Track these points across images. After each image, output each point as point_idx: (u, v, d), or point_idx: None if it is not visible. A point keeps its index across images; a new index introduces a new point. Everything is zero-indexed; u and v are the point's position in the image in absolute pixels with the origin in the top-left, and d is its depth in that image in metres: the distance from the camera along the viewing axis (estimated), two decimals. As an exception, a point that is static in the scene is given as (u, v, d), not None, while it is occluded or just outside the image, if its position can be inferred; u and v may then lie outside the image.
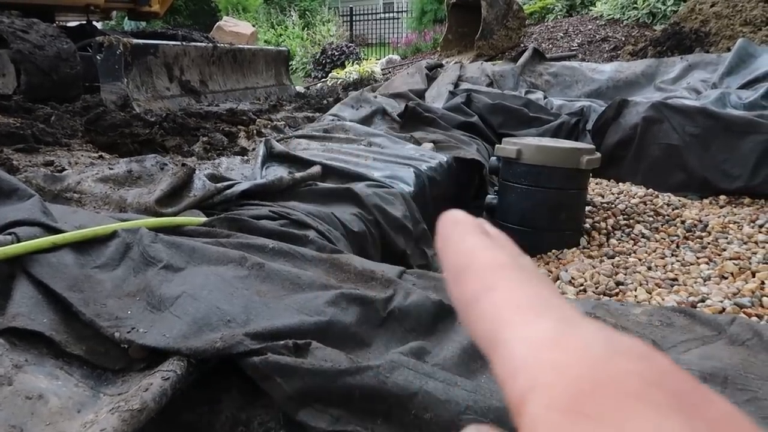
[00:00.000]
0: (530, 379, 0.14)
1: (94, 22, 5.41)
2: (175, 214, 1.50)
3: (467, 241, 0.20)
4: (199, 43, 4.41)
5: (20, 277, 1.03)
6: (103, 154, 2.28)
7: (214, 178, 1.76)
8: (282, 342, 0.84)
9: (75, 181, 1.63)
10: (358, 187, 1.95)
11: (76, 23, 5.48)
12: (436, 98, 3.98)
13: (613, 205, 2.65)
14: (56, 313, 0.98)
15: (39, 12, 4.08)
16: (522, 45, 6.78)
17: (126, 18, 10.89)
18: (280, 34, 13.52)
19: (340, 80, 7.39)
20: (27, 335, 0.93)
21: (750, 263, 1.97)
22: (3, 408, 0.77)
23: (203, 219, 1.43)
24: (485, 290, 0.18)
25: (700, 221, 2.40)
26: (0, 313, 0.97)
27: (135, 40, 3.57)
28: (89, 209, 1.53)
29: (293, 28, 13.81)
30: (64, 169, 1.86)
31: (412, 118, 3.29)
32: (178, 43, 4.11)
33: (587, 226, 2.45)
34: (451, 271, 0.20)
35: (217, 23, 10.71)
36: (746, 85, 3.76)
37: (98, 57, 3.39)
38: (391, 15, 16.96)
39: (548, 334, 0.15)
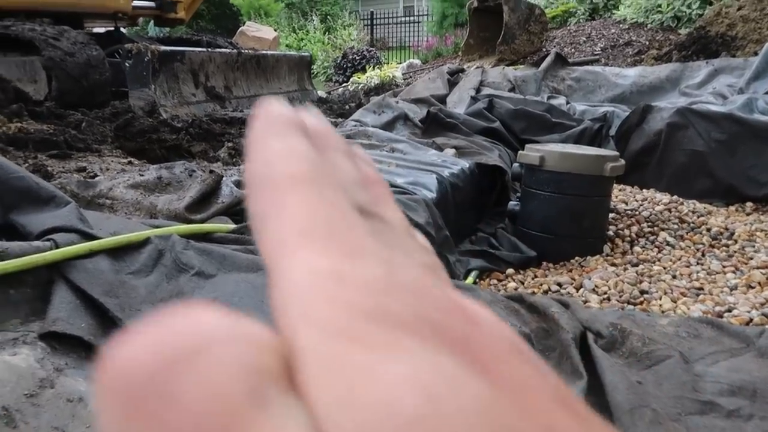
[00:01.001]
0: (303, 308, 0.13)
1: (122, 29, 5.53)
2: (203, 221, 1.54)
3: (274, 145, 0.17)
4: (223, 50, 4.48)
5: (59, 282, 1.07)
6: (132, 159, 2.33)
7: (241, 184, 1.80)
8: (312, 349, 0.86)
9: (107, 188, 1.67)
10: (382, 193, 1.97)
11: (104, 29, 5.61)
12: (458, 103, 3.99)
13: (637, 212, 2.63)
14: (93, 317, 1.01)
15: (69, 19, 4.19)
16: (544, 49, 6.75)
17: (150, 23, 11.09)
18: (302, 39, 13.64)
19: (362, 85, 7.44)
20: (66, 339, 0.97)
21: (778, 273, 1.94)
22: (46, 410, 0.80)
23: (232, 226, 1.46)
24: (275, 208, 0.16)
25: (726, 229, 2.37)
26: (41, 317, 1.01)
27: (162, 47, 3.64)
28: (121, 215, 1.57)
29: (314, 32, 13.92)
30: (96, 175, 1.91)
31: (434, 124, 3.30)
32: (204, 49, 4.18)
33: (611, 233, 2.44)
34: (249, 183, 0.17)
35: (240, 28, 10.85)
36: (774, 90, 3.70)
37: (127, 63, 3.47)
38: (412, 19, 17.00)
39: (329, 266, 0.14)
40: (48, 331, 0.95)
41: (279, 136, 0.18)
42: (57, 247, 1.12)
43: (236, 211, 1.65)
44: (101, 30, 5.68)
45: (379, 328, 0.13)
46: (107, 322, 1.02)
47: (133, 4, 5.06)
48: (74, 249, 1.11)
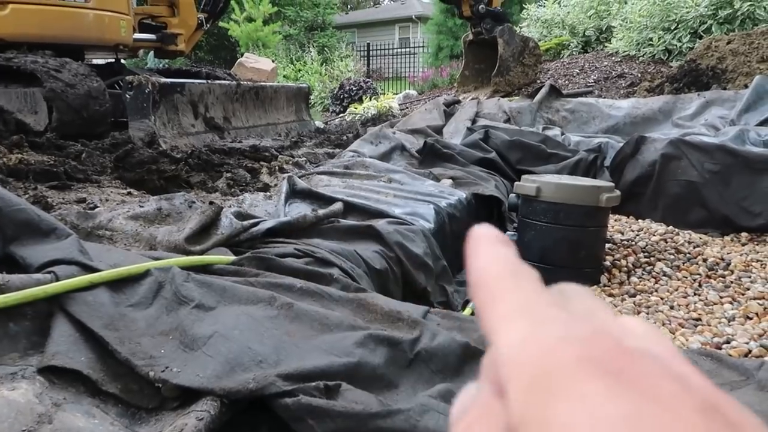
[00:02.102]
0: (506, 373, 0.18)
1: (122, 60, 5.60)
2: (203, 252, 1.54)
3: (483, 256, 0.23)
4: (222, 81, 4.53)
5: (58, 315, 1.07)
6: (131, 190, 2.35)
7: (240, 215, 1.80)
8: (313, 384, 0.86)
9: (107, 219, 1.68)
10: (380, 224, 1.98)
11: (105, 61, 5.68)
12: (454, 134, 4.03)
13: (634, 243, 2.64)
14: (93, 351, 1.01)
15: (70, 51, 4.25)
16: (538, 81, 6.86)
17: (150, 54, 11.24)
18: (299, 70, 13.82)
19: (359, 115, 7.52)
20: (65, 373, 0.96)
21: (775, 303, 1.95)
22: (44, 446, 0.80)
23: (232, 258, 1.46)
24: (490, 301, 0.21)
25: (722, 259, 2.39)
26: (39, 350, 1.00)
27: (163, 79, 3.69)
28: (120, 246, 1.58)
29: (312, 63, 14.12)
30: (95, 206, 1.92)
31: (431, 155, 3.34)
32: (203, 81, 4.23)
33: (607, 263, 2.45)
34: (472, 284, 0.23)
35: (239, 60, 10.99)
36: (765, 122, 3.76)
37: (128, 95, 3.51)
38: (408, 50, 17.29)
39: (521, 334, 0.19)
40: (47, 365, 0.95)
41: (487, 248, 0.24)
42: (57, 279, 1.12)
43: (235, 243, 1.65)
44: (102, 61, 5.76)
45: (558, 377, 0.16)
46: (106, 355, 1.02)
47: (134, 36, 5.14)
48: (74, 282, 1.11)
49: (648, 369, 0.17)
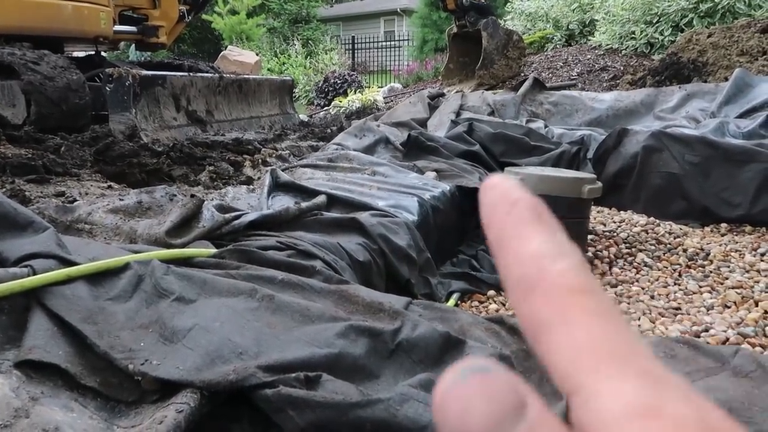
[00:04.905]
0: None
1: (102, 53, 5.52)
2: (184, 245, 1.53)
3: (531, 244, 0.19)
4: (205, 74, 4.49)
5: (35, 309, 1.05)
6: (111, 184, 2.32)
7: (222, 208, 1.79)
8: (293, 374, 0.86)
9: (86, 212, 1.66)
10: (363, 216, 1.98)
11: (84, 54, 5.59)
12: (438, 127, 4.03)
13: (615, 234, 2.67)
14: (71, 345, 1.00)
15: (49, 43, 4.18)
16: (522, 74, 6.88)
17: (131, 47, 11.09)
18: (284, 63, 13.74)
19: (343, 108, 7.49)
20: (43, 367, 0.95)
21: (752, 292, 1.99)
22: (21, 440, 0.79)
23: (213, 250, 1.45)
24: (559, 322, 0.17)
25: (702, 249, 2.42)
26: (16, 345, 0.99)
27: (144, 72, 3.64)
28: (100, 240, 1.56)
29: (296, 56, 14.04)
30: (75, 200, 1.89)
31: (415, 147, 3.34)
32: (185, 73, 4.19)
33: (589, 255, 2.47)
34: (514, 282, 0.18)
35: (222, 53, 10.89)
36: (744, 114, 3.81)
37: (108, 88, 3.46)
38: (393, 44, 17.23)
39: (638, 398, 0.16)
40: (24, 359, 0.93)
41: (533, 232, 0.19)
42: (35, 273, 1.10)
43: (217, 236, 1.64)
44: (82, 54, 5.67)
45: None
46: (85, 349, 1.01)
47: (114, 28, 5.07)
48: (52, 275, 1.10)
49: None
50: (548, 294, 0.18)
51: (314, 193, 2.23)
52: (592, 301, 0.18)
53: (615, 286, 2.19)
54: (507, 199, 0.20)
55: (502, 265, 0.19)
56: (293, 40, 15.95)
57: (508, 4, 10.71)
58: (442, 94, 5.01)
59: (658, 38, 7.28)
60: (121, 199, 1.74)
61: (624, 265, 2.39)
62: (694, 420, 0.15)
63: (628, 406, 0.16)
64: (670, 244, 2.53)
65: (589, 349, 0.17)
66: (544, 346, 0.17)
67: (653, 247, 2.51)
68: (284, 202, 2.19)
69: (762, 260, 2.25)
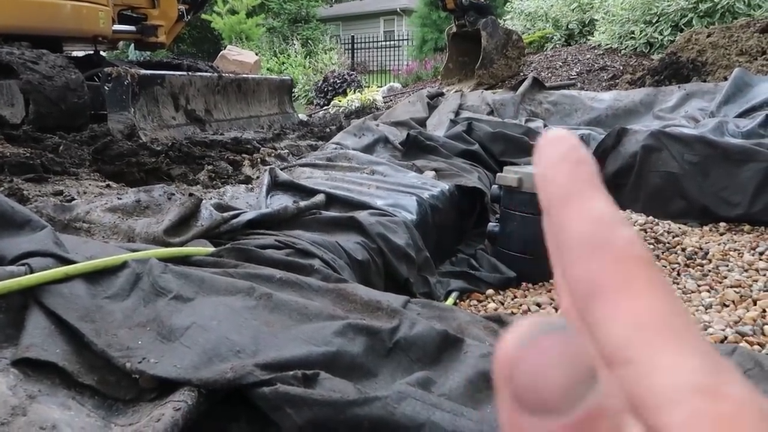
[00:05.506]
0: (683, 420, 0.15)
1: (101, 52, 5.51)
2: (182, 244, 1.53)
3: (598, 204, 0.18)
4: (204, 73, 4.49)
5: (33, 307, 1.05)
6: (110, 183, 2.32)
7: (220, 207, 1.79)
8: (291, 372, 0.86)
9: (84, 211, 1.66)
10: (362, 215, 1.98)
11: (83, 53, 5.59)
12: (437, 126, 4.03)
13: (614, 233, 2.66)
14: (68, 343, 1.00)
15: (48, 42, 4.17)
16: (521, 74, 6.88)
17: (131, 47, 11.09)
18: (283, 62, 13.74)
19: (342, 108, 7.49)
20: (40, 365, 0.95)
21: (751, 291, 1.98)
22: (18, 439, 0.79)
23: (211, 249, 1.45)
24: (620, 289, 0.16)
25: (701, 249, 2.42)
26: (13, 343, 0.99)
27: (142, 71, 3.64)
28: (98, 239, 1.56)
29: (296, 56, 14.04)
30: (73, 199, 1.89)
31: (414, 147, 3.34)
32: (184, 73, 4.18)
33: (589, 253, 2.47)
34: (575, 240, 0.17)
35: (221, 52, 10.89)
36: (743, 114, 3.81)
37: (106, 87, 3.46)
38: (392, 43, 17.23)
39: (698, 376, 0.15)
40: (21, 357, 0.93)
41: (597, 191, 0.19)
42: (32, 271, 1.10)
43: (215, 234, 1.64)
44: (80, 53, 5.66)
45: None
46: (82, 347, 1.01)
47: (113, 27, 5.06)
48: (49, 274, 1.10)
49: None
50: (614, 258, 0.17)
51: (313, 192, 2.22)
52: (655, 275, 0.17)
53: (614, 285, 2.19)
54: (574, 155, 0.19)
55: (558, 222, 0.18)
56: (293, 39, 15.95)
57: (508, 3, 10.71)
58: (442, 94, 5.01)
59: (657, 38, 7.28)
60: (119, 198, 1.74)
61: (623, 264, 2.39)
62: (752, 404, 0.15)
63: (687, 382, 0.15)
64: (668, 243, 2.52)
65: (648, 321, 0.16)
66: (596, 312, 0.17)
67: (652, 246, 2.51)
68: (283, 201, 2.19)
69: (761, 259, 2.25)
